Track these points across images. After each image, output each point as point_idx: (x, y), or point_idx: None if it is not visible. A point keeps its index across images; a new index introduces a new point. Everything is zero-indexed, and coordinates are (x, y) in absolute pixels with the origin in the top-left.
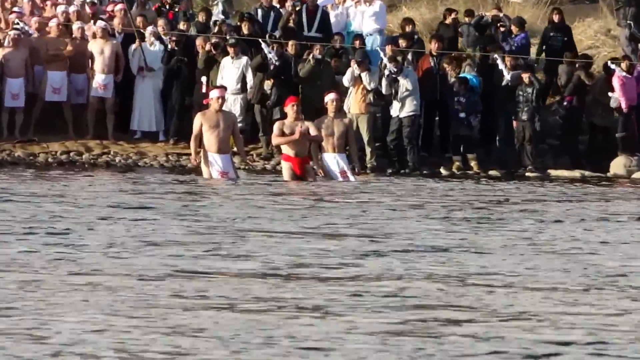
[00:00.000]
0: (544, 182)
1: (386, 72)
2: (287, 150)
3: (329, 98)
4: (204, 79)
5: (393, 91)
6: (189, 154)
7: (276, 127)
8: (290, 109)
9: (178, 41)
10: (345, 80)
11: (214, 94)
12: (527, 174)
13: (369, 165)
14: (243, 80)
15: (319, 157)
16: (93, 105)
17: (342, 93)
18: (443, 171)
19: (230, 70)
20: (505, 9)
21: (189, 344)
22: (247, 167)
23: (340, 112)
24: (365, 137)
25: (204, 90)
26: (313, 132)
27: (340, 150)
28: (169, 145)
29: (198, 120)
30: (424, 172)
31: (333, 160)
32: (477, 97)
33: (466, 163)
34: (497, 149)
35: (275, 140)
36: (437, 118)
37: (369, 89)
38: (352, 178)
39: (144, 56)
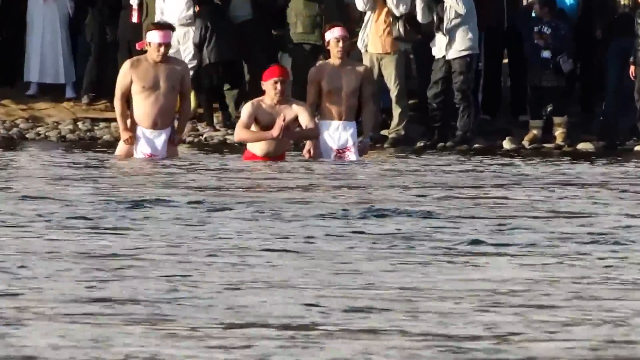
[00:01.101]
0: None
1: None
2: (254, 147)
3: (333, 36)
4: (134, 1)
5: (435, 17)
6: (113, 120)
7: (246, 111)
8: (270, 86)
9: None
10: (360, 1)
11: (153, 37)
12: (637, 147)
13: (392, 135)
14: None
15: (315, 124)
16: None
17: (355, 22)
18: (507, 144)
19: None
20: None
21: None
22: (195, 140)
23: (349, 57)
24: (393, 91)
25: (135, 19)
26: (305, 122)
27: (349, 116)
28: (81, 106)
29: (127, 72)
30: (476, 145)
31: (335, 131)
32: (570, 27)
33: (550, 130)
34: (603, 109)
35: (240, 133)
36: (505, 60)
37: (397, 14)
38: (353, 157)
39: None
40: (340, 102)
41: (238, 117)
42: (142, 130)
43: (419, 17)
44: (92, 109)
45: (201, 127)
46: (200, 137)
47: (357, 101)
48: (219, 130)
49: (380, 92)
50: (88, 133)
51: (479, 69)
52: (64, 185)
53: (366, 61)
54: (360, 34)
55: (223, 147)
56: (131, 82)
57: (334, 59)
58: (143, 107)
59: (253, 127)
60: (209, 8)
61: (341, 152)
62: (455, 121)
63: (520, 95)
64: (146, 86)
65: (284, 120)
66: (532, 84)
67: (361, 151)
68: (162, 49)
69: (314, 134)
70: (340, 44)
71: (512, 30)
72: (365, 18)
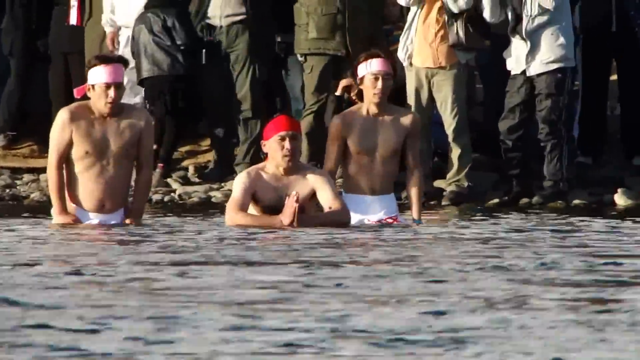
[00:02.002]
0: None
1: None
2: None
3: (369, 70)
4: None
5: (509, 15)
6: (43, 171)
7: (240, 184)
8: (275, 146)
9: None
10: None
11: (97, 76)
12: None
13: (451, 188)
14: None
15: (342, 204)
16: None
17: (393, 22)
18: (619, 199)
19: None
20: None
21: None
22: (165, 199)
23: (388, 102)
24: (450, 123)
25: (73, 19)
26: (328, 201)
27: (386, 188)
28: None
29: (65, 126)
30: (575, 201)
31: (366, 208)
32: None
33: None
34: None
35: (235, 218)
36: (614, 77)
37: (455, 10)
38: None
39: None
40: (373, 168)
41: (226, 165)
42: (83, 214)
43: (487, 15)
44: (11, 155)
45: (171, 179)
46: (172, 193)
47: (397, 166)
48: (195, 183)
49: (430, 124)
50: (7, 190)
51: (574, 90)
52: None
53: (410, 79)
54: (401, 39)
55: (207, 209)
56: (70, 143)
57: (369, 105)
58: (85, 181)
59: (251, 208)
60: None
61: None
62: (541, 166)
63: (635, 127)
64: (90, 151)
65: (297, 199)
66: None
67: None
68: (111, 94)
69: (343, 219)
70: (380, 83)
71: (623, 33)
72: (409, 17)
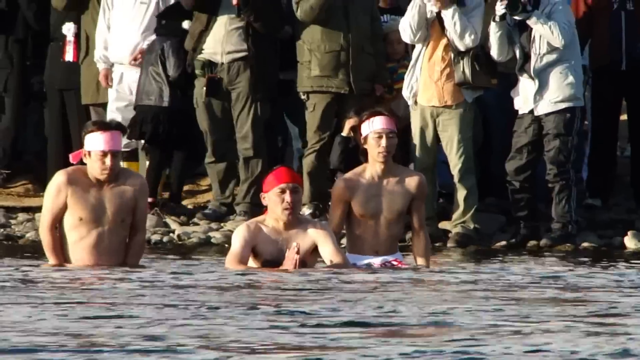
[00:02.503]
0: None
1: (499, 8)
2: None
3: (372, 129)
4: (69, 28)
5: (517, 53)
6: (38, 210)
7: (239, 237)
8: (275, 198)
9: None
10: (406, 29)
11: (94, 143)
12: None
13: (457, 230)
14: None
15: (344, 257)
16: None
17: (398, 60)
18: (630, 243)
19: (127, 3)
20: None
21: None
22: (164, 240)
23: (395, 159)
24: (456, 163)
25: (70, 56)
26: (330, 255)
27: (390, 249)
28: None
29: (61, 190)
30: (584, 244)
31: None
32: None
33: None
34: None
35: (234, 270)
36: (624, 116)
37: (462, 48)
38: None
39: None
40: (378, 231)
41: (224, 205)
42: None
43: (494, 53)
44: (5, 194)
45: (170, 219)
46: (171, 234)
47: (402, 227)
48: (197, 224)
49: (435, 165)
50: (2, 230)
51: (583, 130)
52: None
53: (415, 117)
54: (406, 78)
55: (205, 249)
56: (65, 207)
57: (374, 165)
58: (79, 249)
59: (251, 262)
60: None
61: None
62: (549, 208)
63: None
64: (85, 218)
65: (298, 251)
66: None
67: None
68: (107, 162)
69: (342, 265)
70: (384, 141)
71: (633, 72)
72: (414, 54)
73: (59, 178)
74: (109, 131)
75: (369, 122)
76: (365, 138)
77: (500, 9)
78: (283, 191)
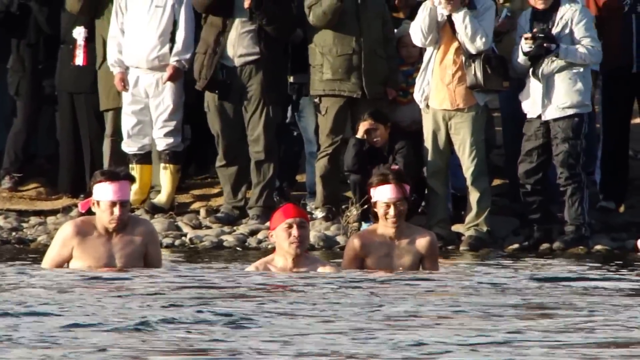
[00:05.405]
0: None
1: (524, 47)
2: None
3: (380, 199)
4: (79, 32)
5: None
6: (50, 214)
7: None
8: (282, 234)
9: None
10: (417, 32)
11: (102, 193)
12: None
13: (469, 233)
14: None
15: None
16: None
17: (410, 63)
18: None
19: (142, 7)
20: None
21: None
22: (176, 243)
23: (407, 220)
24: (468, 167)
25: (80, 60)
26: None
27: None
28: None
29: (67, 242)
30: (597, 247)
31: None
32: None
33: None
34: None
35: None
36: (636, 120)
37: (473, 51)
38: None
39: None
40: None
41: (236, 208)
42: None
43: (519, 60)
44: (17, 197)
45: (182, 222)
46: (183, 237)
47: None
48: (209, 227)
49: (448, 169)
50: (14, 233)
51: (595, 133)
52: None
53: (427, 121)
54: (418, 81)
55: (218, 253)
56: (70, 257)
57: (385, 227)
58: None
59: None
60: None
61: None
62: (562, 211)
63: None
64: (94, 267)
65: None
66: None
67: None
68: (116, 212)
69: None
70: (392, 211)
71: None
72: (425, 58)
73: (66, 230)
74: (118, 181)
75: (377, 191)
76: (375, 203)
77: (525, 47)
78: (290, 226)
